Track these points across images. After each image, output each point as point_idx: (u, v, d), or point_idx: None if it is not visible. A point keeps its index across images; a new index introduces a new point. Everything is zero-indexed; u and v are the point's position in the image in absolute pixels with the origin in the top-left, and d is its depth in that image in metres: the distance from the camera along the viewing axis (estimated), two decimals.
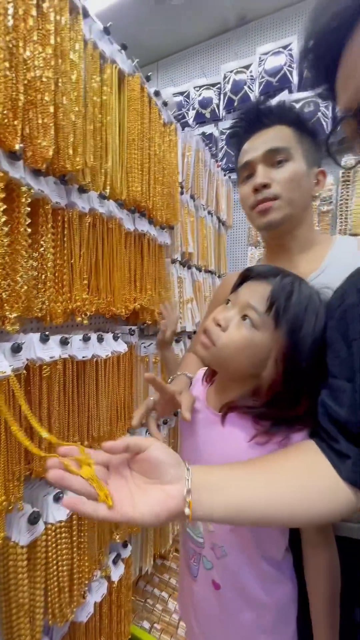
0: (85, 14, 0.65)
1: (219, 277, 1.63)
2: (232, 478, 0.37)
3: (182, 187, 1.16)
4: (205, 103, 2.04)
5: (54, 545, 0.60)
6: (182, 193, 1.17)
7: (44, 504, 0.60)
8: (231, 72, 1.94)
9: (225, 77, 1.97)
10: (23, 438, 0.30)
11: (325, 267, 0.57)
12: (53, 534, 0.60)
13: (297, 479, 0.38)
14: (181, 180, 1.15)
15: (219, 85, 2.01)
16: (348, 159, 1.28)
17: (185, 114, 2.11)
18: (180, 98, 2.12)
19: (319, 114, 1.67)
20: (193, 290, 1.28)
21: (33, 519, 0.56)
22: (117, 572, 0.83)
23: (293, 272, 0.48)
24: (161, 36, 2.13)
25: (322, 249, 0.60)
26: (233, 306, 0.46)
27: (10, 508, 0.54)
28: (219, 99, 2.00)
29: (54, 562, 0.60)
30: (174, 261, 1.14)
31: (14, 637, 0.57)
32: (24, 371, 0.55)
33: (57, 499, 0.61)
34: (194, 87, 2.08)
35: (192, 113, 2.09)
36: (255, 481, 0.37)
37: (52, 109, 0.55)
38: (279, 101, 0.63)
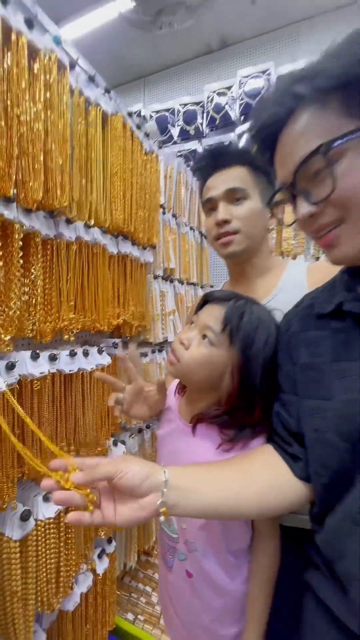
0: (72, 66, 0.73)
1: (201, 287, 1.72)
2: (202, 481, 0.44)
3: (163, 208, 1.25)
4: (189, 120, 2.14)
5: (43, 540, 0.67)
6: (164, 213, 1.26)
7: (35, 502, 0.68)
8: (214, 92, 2.04)
9: (208, 97, 2.07)
10: (21, 448, 0.37)
11: (279, 291, 0.67)
12: (42, 529, 0.67)
13: (260, 478, 0.46)
14: (163, 202, 1.24)
15: (202, 104, 2.11)
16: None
17: (171, 129, 2.20)
18: (166, 114, 2.22)
19: None
20: (175, 302, 1.37)
21: (25, 516, 0.63)
22: (102, 566, 0.90)
23: (247, 296, 0.56)
24: (147, 54, 2.22)
25: (276, 273, 0.70)
26: (195, 327, 0.55)
27: (4, 507, 0.61)
28: (203, 117, 2.10)
29: (44, 555, 0.68)
30: (156, 277, 1.22)
31: (8, 622, 0.64)
32: (17, 386, 0.63)
33: (46, 498, 0.69)
34: (179, 104, 2.18)
35: (177, 129, 2.18)
36: (223, 483, 0.44)
37: (41, 156, 0.64)
38: (239, 145, 0.72)
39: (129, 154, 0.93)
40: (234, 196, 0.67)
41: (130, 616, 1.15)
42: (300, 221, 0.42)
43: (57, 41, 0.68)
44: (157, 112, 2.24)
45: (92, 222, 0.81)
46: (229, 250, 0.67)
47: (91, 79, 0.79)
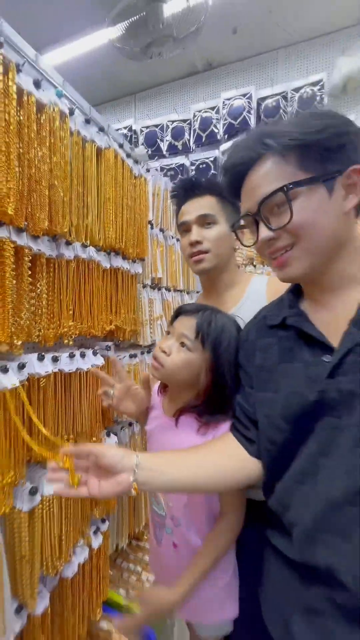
0: (72, 112, 0.86)
1: (187, 293, 1.86)
2: (169, 464, 0.57)
3: (151, 224, 1.39)
4: (177, 136, 2.29)
5: (47, 512, 0.80)
6: (152, 228, 1.40)
7: (40, 481, 0.80)
8: (200, 111, 2.20)
9: (194, 116, 2.23)
10: (29, 440, 0.50)
11: (244, 301, 0.81)
12: (47, 504, 0.80)
13: (217, 458, 0.60)
14: (151, 218, 1.38)
15: (189, 121, 2.26)
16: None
17: (160, 143, 2.35)
18: (155, 129, 2.36)
19: None
20: (162, 308, 1.51)
21: (32, 492, 0.76)
22: (96, 542, 1.03)
23: (211, 306, 0.70)
24: (138, 74, 2.36)
25: (242, 287, 0.83)
26: (172, 336, 0.68)
27: (16, 484, 0.74)
28: (190, 134, 2.25)
29: (47, 525, 0.80)
30: (145, 286, 1.36)
31: (17, 582, 0.77)
32: (26, 382, 0.76)
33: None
34: (168, 121, 2.33)
35: (165, 144, 2.33)
36: (185, 464, 0.57)
37: (47, 191, 0.77)
38: (208, 177, 0.86)
39: (120, 180, 1.07)
40: (205, 221, 0.81)
41: (122, 592, 1.27)
42: (259, 243, 0.53)
43: (60, 94, 0.81)
44: (147, 127, 2.38)
45: (88, 242, 0.94)
46: (201, 266, 0.81)
47: (87, 121, 0.93)
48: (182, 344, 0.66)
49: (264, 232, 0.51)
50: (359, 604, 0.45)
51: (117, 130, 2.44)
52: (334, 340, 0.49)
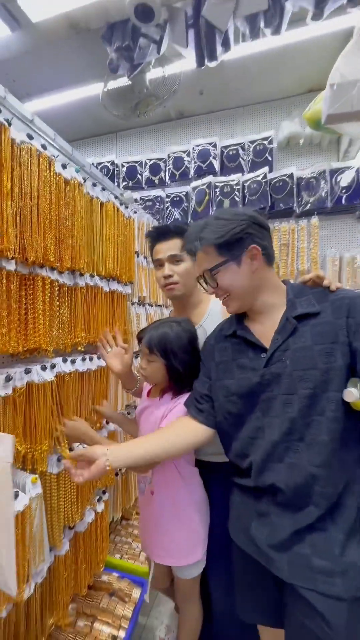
0: (85, 180, 1.18)
1: (166, 308, 2.19)
2: (135, 446, 0.82)
3: (138, 253, 1.72)
4: (154, 172, 2.66)
5: (68, 477, 1.07)
6: (137, 256, 1.72)
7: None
8: (174, 153, 2.59)
9: (169, 156, 2.61)
10: (61, 431, 0.77)
11: (206, 318, 1.12)
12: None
13: (173, 434, 0.86)
14: (137, 249, 1.71)
15: (164, 160, 2.64)
16: None
17: (139, 177, 2.70)
18: (135, 165, 2.71)
19: (234, 192, 2.38)
20: (147, 320, 1.82)
21: (59, 459, 1.03)
22: (100, 507, 1.30)
23: (178, 319, 0.99)
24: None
25: (204, 306, 1.15)
26: (142, 356, 1.00)
27: (50, 451, 1.01)
28: (165, 171, 2.63)
29: (68, 486, 1.08)
30: (133, 303, 1.67)
31: (49, 528, 1.03)
32: (55, 378, 1.04)
33: (71, 449, 1.09)
34: (146, 159, 2.69)
35: (144, 178, 2.69)
36: (148, 443, 0.83)
37: (70, 241, 1.07)
38: (176, 224, 1.14)
39: (116, 224, 1.39)
40: (174, 259, 1.06)
41: (117, 556, 1.54)
42: (210, 293, 0.85)
43: (77, 170, 1.12)
44: (128, 162, 2.73)
45: (95, 272, 1.25)
46: (172, 294, 1.11)
47: (94, 185, 1.25)
48: (148, 361, 0.97)
49: (209, 289, 0.84)
50: (288, 497, 0.73)
51: (100, 164, 2.77)
52: (267, 343, 0.78)
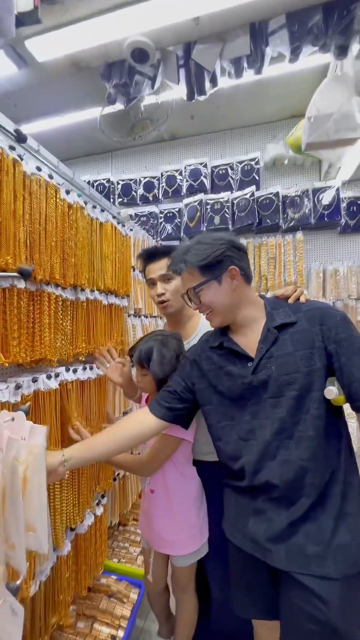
0: (86, 203, 1.29)
1: (160, 318, 2.29)
2: (82, 449, 0.87)
3: (134, 268, 1.82)
4: (148, 189, 2.80)
5: (71, 478, 1.14)
6: (134, 270, 1.83)
7: None
8: (167, 172, 2.74)
9: (162, 175, 2.76)
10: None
11: (198, 331, 1.23)
12: (71, 472, 1.14)
13: (125, 428, 0.93)
14: (133, 264, 1.81)
15: (158, 178, 2.79)
16: None
17: (134, 194, 2.83)
18: (130, 182, 2.85)
19: (224, 209, 2.52)
20: (142, 331, 1.92)
21: None
22: (99, 511, 1.36)
23: (168, 333, 1.10)
24: None
25: (196, 320, 1.24)
26: (136, 369, 1.09)
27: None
28: (158, 189, 2.77)
29: (70, 489, 1.14)
30: (129, 315, 1.77)
31: (53, 529, 1.09)
32: (58, 386, 1.12)
33: None
34: (141, 176, 2.83)
35: (138, 195, 2.82)
36: (100, 444, 0.89)
37: (73, 260, 1.17)
38: (165, 245, 1.25)
39: (114, 242, 1.50)
40: (165, 278, 1.15)
41: (115, 560, 1.58)
42: (194, 309, 0.94)
43: (79, 195, 1.23)
44: (123, 180, 2.86)
45: (94, 287, 1.35)
46: (167, 311, 1.21)
47: (94, 207, 1.35)
48: (141, 374, 1.07)
49: (193, 305, 0.92)
50: (282, 492, 0.79)
51: (96, 181, 2.90)
52: (252, 353, 0.86)
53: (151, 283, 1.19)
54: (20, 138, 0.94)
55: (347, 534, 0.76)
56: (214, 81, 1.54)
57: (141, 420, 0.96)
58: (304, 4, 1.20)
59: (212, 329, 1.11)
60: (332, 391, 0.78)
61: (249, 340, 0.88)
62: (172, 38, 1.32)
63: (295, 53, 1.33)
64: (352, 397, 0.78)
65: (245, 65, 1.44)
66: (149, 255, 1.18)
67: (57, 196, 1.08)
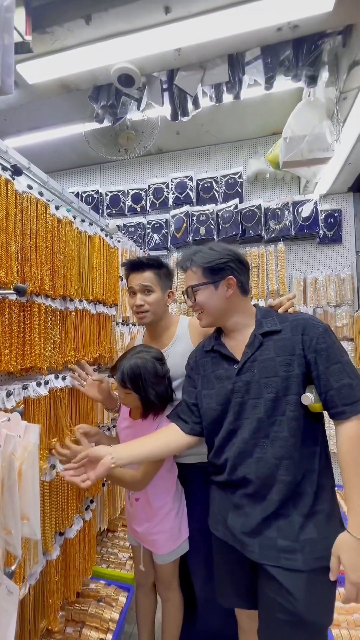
0: (75, 217, 1.35)
1: None
2: (132, 447, 0.95)
3: (121, 277, 1.88)
4: (136, 200, 2.88)
5: (59, 483, 1.18)
6: (121, 280, 1.89)
7: (55, 462, 1.18)
8: (154, 184, 2.83)
9: (149, 187, 2.85)
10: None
11: (176, 338, 1.28)
12: (60, 477, 1.18)
13: (163, 437, 1.02)
14: (121, 274, 1.87)
15: (145, 190, 2.88)
16: None
17: (122, 205, 2.91)
18: (118, 194, 2.93)
19: (209, 220, 2.62)
20: (130, 338, 1.97)
21: (52, 467, 1.14)
22: (88, 516, 1.39)
23: (145, 350, 1.08)
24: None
25: (173, 329, 1.27)
26: (118, 388, 1.08)
27: (45, 463, 1.11)
28: (145, 200, 2.86)
29: (59, 494, 1.17)
30: (118, 323, 1.82)
31: (42, 533, 1.11)
32: (48, 393, 1.16)
33: (61, 462, 1.20)
34: (129, 188, 2.91)
35: (126, 206, 2.90)
36: (144, 445, 0.96)
37: (62, 271, 1.22)
38: (148, 256, 1.27)
39: (102, 253, 1.56)
40: (145, 289, 1.17)
41: (104, 566, 1.60)
42: (189, 306, 1.03)
43: (69, 210, 1.29)
44: (112, 191, 2.94)
45: (83, 297, 1.40)
46: (143, 321, 1.23)
47: (83, 220, 1.42)
48: (124, 392, 1.07)
49: (189, 302, 1.00)
50: (257, 488, 0.86)
51: (85, 192, 2.97)
52: (238, 356, 0.93)
53: (132, 292, 1.22)
54: (16, 171, 1.00)
55: (314, 530, 0.82)
56: (196, 103, 1.64)
57: (176, 434, 1.02)
58: (276, 39, 1.32)
59: (189, 336, 1.20)
60: (308, 397, 0.83)
61: (238, 345, 0.95)
62: (156, 66, 1.41)
63: (269, 82, 1.44)
64: (328, 405, 0.83)
65: (224, 90, 1.55)
66: (133, 266, 1.21)
67: (47, 212, 1.14)
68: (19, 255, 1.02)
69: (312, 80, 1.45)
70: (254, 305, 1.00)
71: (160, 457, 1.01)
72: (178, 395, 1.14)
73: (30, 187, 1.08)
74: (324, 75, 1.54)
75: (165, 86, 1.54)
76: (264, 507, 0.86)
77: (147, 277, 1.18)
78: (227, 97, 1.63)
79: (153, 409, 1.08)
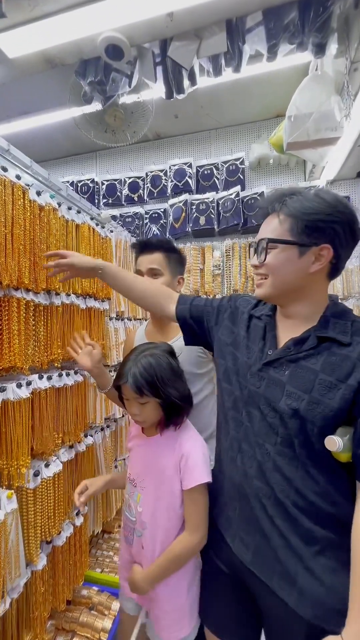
0: (60, 204, 1.24)
1: (145, 320, 2.25)
2: (126, 275, 0.94)
3: None
4: (133, 189, 2.76)
5: (45, 491, 1.10)
6: None
7: (41, 468, 1.10)
8: (151, 172, 2.70)
9: (147, 175, 2.72)
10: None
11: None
12: (45, 485, 1.10)
13: (155, 293, 0.96)
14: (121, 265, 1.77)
15: (143, 178, 2.75)
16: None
17: (119, 194, 2.79)
18: (114, 182, 2.80)
19: (210, 209, 2.50)
20: (125, 334, 1.88)
21: (36, 474, 1.06)
22: (78, 521, 1.32)
23: (134, 356, 0.85)
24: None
25: None
26: (132, 402, 0.85)
27: (25, 469, 1.04)
28: (143, 189, 2.73)
29: (45, 500, 1.10)
30: (111, 318, 1.73)
31: (25, 543, 1.05)
32: (31, 395, 1.07)
33: (47, 465, 1.12)
34: (126, 177, 2.79)
35: (123, 195, 2.78)
36: (135, 283, 0.95)
37: (45, 262, 1.13)
38: (158, 237, 1.23)
39: (91, 244, 1.46)
40: (153, 272, 1.11)
41: (98, 570, 1.54)
42: (251, 264, 0.75)
43: (52, 196, 1.19)
44: (108, 180, 2.82)
45: (71, 291, 1.31)
46: None
47: (69, 208, 1.31)
48: (139, 404, 0.85)
49: (254, 259, 0.75)
50: (255, 506, 0.72)
51: (81, 181, 2.85)
52: (279, 345, 0.74)
53: (139, 275, 1.13)
54: None
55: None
56: (192, 79, 1.51)
57: (169, 297, 0.95)
58: (280, 0, 1.18)
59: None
60: (336, 442, 0.62)
61: (286, 334, 0.75)
62: (146, 34, 1.28)
63: (272, 51, 1.31)
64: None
65: (223, 63, 1.42)
66: (142, 246, 1.14)
67: (25, 198, 1.04)
68: None
69: (320, 49, 1.31)
70: (330, 297, 0.75)
71: (143, 298, 0.96)
72: None
73: (4, 169, 0.97)
74: (333, 46, 1.40)
75: (158, 60, 1.41)
76: None
77: (155, 259, 1.11)
78: (227, 72, 1.50)
79: (175, 414, 0.86)
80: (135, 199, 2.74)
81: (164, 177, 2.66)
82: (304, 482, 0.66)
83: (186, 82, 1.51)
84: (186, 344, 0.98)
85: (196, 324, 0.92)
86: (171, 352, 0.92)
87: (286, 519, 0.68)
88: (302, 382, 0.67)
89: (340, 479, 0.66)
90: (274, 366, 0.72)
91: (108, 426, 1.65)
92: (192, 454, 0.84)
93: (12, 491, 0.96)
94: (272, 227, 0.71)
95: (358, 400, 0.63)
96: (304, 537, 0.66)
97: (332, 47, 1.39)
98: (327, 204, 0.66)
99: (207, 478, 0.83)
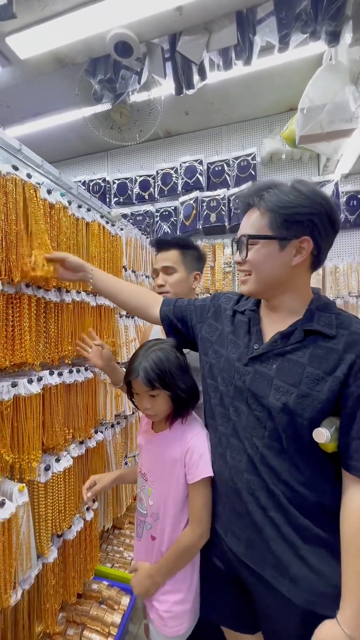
0: (70, 203, 1.26)
1: None
2: (114, 280, 0.97)
3: (125, 267, 1.79)
4: (144, 188, 2.76)
5: (56, 484, 1.12)
6: (125, 270, 1.80)
7: (52, 462, 1.12)
8: (162, 170, 2.70)
9: (157, 173, 2.72)
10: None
11: None
12: (56, 478, 1.12)
13: (142, 297, 0.99)
14: (125, 264, 1.78)
15: (153, 177, 2.75)
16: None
17: (130, 193, 2.80)
18: (125, 181, 2.82)
19: (220, 206, 2.47)
20: (135, 332, 1.89)
21: (47, 468, 1.08)
22: (89, 516, 1.33)
23: (144, 351, 0.85)
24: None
25: None
26: (142, 395, 0.86)
27: (36, 463, 1.06)
28: (154, 187, 2.73)
29: (56, 494, 1.12)
30: (121, 315, 1.74)
31: (37, 536, 1.07)
32: (42, 390, 1.09)
33: (57, 460, 1.14)
34: (136, 175, 2.79)
35: (134, 194, 2.79)
36: (123, 287, 1.01)
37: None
38: (175, 235, 1.24)
39: (101, 242, 1.47)
40: (167, 270, 1.16)
41: (108, 565, 1.56)
42: (235, 261, 0.76)
43: (63, 195, 1.20)
44: (119, 179, 2.83)
45: (81, 289, 1.32)
46: None
47: (79, 206, 1.33)
48: (150, 397, 0.86)
49: (236, 256, 0.75)
50: (247, 500, 0.72)
51: (92, 180, 2.87)
52: (265, 339, 0.74)
53: (155, 274, 1.19)
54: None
55: None
56: (202, 74, 1.49)
57: (154, 301, 0.99)
58: None
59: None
60: (322, 434, 0.64)
61: (272, 327, 0.75)
62: (155, 30, 1.28)
63: (284, 42, 1.28)
64: (347, 452, 0.65)
65: (233, 56, 1.39)
66: (158, 245, 1.19)
67: (37, 196, 1.06)
68: (4, 242, 0.94)
69: (334, 37, 1.27)
70: (313, 290, 0.76)
71: (129, 301, 1.00)
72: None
73: (16, 168, 0.99)
74: (348, 34, 1.35)
75: (167, 55, 1.40)
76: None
77: (170, 256, 1.15)
78: (237, 66, 1.47)
79: (183, 407, 0.88)
80: (146, 197, 2.75)
81: (174, 175, 2.65)
82: (290, 473, 0.68)
83: (196, 77, 1.49)
84: None
85: (180, 322, 0.94)
86: (178, 347, 0.92)
87: (279, 509, 0.68)
88: (291, 376, 0.68)
89: (326, 468, 0.68)
90: (261, 360, 0.72)
91: (118, 423, 1.66)
92: (197, 448, 0.85)
93: (24, 484, 0.98)
94: (251, 221, 0.71)
95: (344, 392, 0.64)
96: (296, 527, 0.67)
97: (347, 36, 1.34)
98: (304, 196, 0.65)
99: (211, 472, 0.83)
